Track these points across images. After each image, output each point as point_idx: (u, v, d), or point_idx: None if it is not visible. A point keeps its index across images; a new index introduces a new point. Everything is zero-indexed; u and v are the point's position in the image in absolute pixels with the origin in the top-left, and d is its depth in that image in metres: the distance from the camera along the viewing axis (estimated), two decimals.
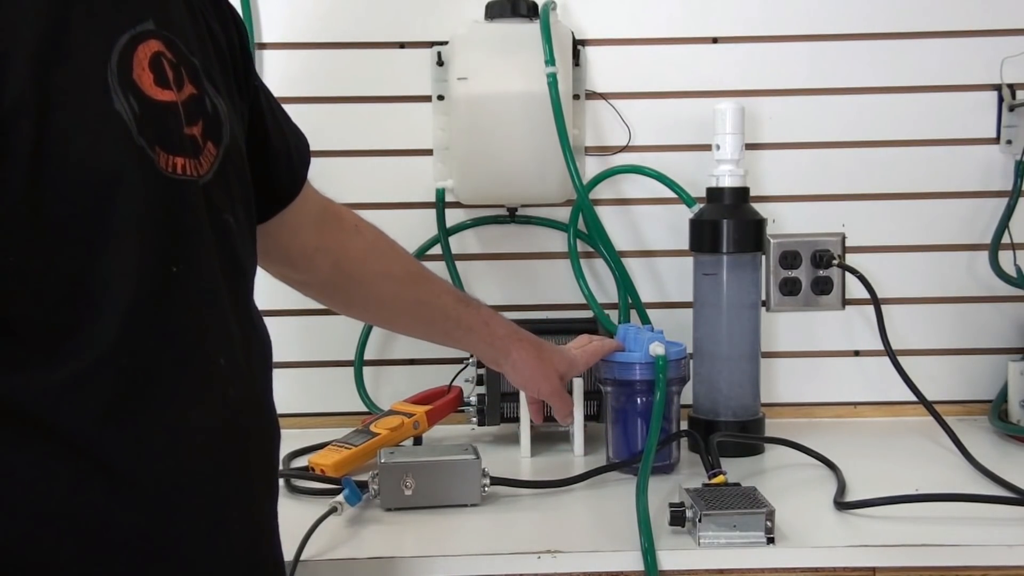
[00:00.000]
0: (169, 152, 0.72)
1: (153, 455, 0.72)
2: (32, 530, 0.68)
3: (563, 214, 1.57)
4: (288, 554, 1.02)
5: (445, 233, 1.56)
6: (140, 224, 0.70)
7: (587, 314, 1.54)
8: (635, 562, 1.04)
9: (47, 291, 0.67)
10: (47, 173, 0.66)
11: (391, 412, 1.43)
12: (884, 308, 1.47)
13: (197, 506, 0.75)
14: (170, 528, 0.73)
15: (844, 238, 1.56)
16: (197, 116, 0.77)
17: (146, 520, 0.72)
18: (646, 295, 1.56)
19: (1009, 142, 1.56)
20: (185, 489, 0.74)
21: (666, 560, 1.04)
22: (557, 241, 1.58)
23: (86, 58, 0.69)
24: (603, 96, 1.56)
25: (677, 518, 1.07)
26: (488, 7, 1.51)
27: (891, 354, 1.44)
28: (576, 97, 1.54)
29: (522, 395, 1.39)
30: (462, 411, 1.46)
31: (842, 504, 1.16)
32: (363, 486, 1.17)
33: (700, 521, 1.05)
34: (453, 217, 1.57)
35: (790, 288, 1.56)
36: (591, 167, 1.57)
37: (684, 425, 1.39)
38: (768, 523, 1.05)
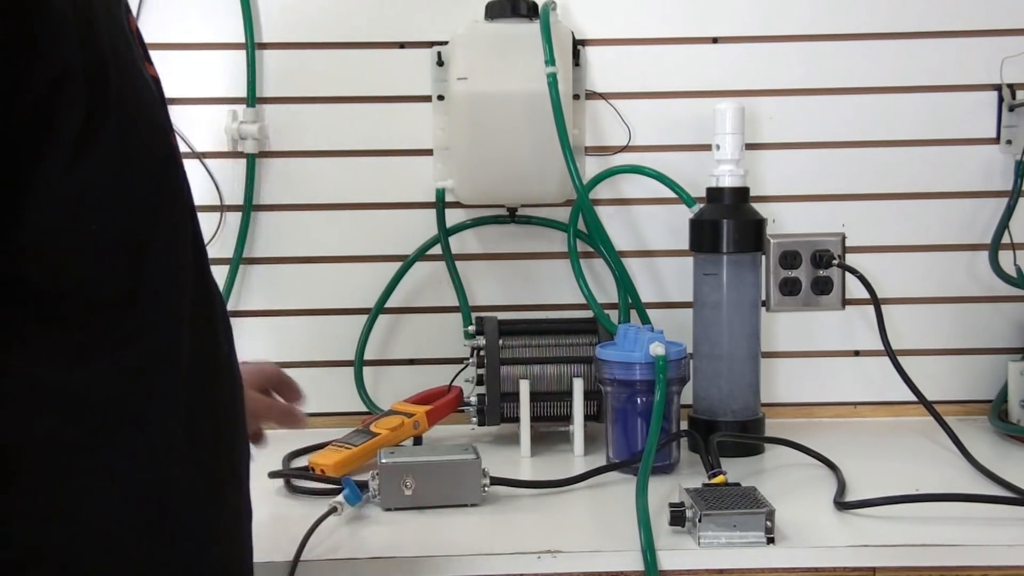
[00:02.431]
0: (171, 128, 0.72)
1: (223, 413, 0.73)
2: (122, 515, 0.66)
3: (563, 214, 1.57)
4: (288, 554, 1.02)
5: (445, 233, 1.56)
6: (186, 196, 0.70)
7: (587, 314, 1.54)
8: (635, 562, 1.04)
9: (117, 265, 0.64)
10: (128, 131, 0.63)
11: (391, 412, 1.43)
12: (884, 308, 1.47)
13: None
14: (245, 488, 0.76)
15: (844, 238, 1.56)
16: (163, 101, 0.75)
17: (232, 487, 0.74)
18: (646, 295, 1.56)
19: (1009, 142, 1.56)
20: (243, 451, 0.76)
21: (666, 560, 1.04)
22: (557, 241, 1.58)
23: (121, 23, 0.66)
24: (603, 96, 1.56)
25: (677, 518, 1.07)
26: (488, 7, 1.51)
27: (891, 354, 1.44)
28: (576, 97, 1.54)
29: (522, 394, 1.39)
30: (462, 411, 1.46)
31: (842, 504, 1.16)
32: (363, 486, 1.17)
33: (700, 521, 1.05)
34: (453, 217, 1.57)
35: (790, 288, 1.56)
36: (591, 167, 1.57)
37: (684, 425, 1.39)
38: (768, 523, 1.05)
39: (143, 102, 0.66)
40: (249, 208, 1.54)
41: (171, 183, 0.68)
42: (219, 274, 1.54)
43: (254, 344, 1.54)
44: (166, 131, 0.69)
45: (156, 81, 0.71)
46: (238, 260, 1.54)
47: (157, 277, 0.67)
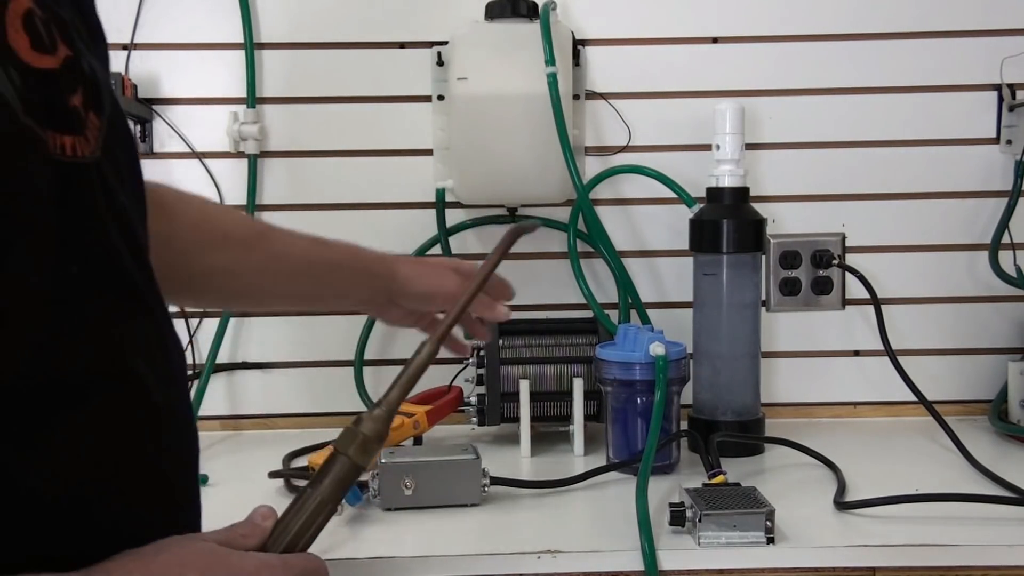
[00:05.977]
0: (57, 130, 0.60)
1: (69, 483, 0.62)
2: None
3: (563, 214, 1.57)
4: None
5: (445, 233, 1.56)
6: (36, 225, 0.59)
7: (587, 314, 1.54)
8: (635, 562, 1.04)
9: None
10: None
11: None
12: (884, 308, 1.48)
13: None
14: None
15: (844, 238, 1.57)
16: (76, 82, 0.63)
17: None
18: (646, 295, 1.56)
19: (1009, 142, 1.56)
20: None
21: (666, 560, 1.04)
22: (557, 241, 1.58)
23: None
24: (603, 96, 1.56)
25: (677, 518, 1.07)
26: (488, 7, 1.51)
27: (891, 354, 1.44)
28: (576, 97, 1.54)
29: (522, 394, 1.39)
30: (462, 411, 1.46)
31: (842, 504, 1.16)
32: (363, 486, 1.17)
33: (700, 521, 1.05)
34: (453, 217, 1.57)
35: (790, 288, 1.56)
36: (591, 167, 1.57)
37: (684, 425, 1.39)
38: (768, 523, 1.05)
39: None
40: (252, 209, 1.54)
41: (10, 218, 0.58)
42: None
43: (256, 343, 1.54)
44: (8, 154, 0.58)
45: (32, 76, 0.60)
46: None
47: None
